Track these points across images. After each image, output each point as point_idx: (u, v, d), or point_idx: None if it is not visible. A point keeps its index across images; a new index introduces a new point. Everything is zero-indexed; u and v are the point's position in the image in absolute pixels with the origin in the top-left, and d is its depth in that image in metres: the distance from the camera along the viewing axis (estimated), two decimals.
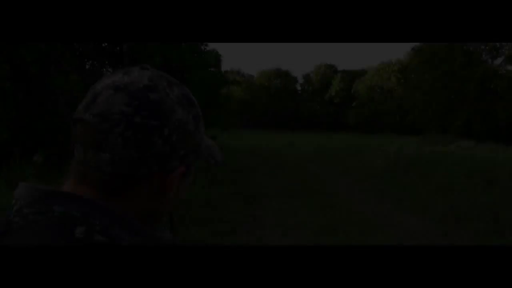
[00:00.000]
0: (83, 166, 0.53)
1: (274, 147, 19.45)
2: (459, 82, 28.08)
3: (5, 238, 0.50)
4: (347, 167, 10.95)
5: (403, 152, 11.14)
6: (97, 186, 0.53)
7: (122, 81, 0.53)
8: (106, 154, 0.51)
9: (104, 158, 0.51)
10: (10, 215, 0.52)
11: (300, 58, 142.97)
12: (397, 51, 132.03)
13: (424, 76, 30.73)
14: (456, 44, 28.18)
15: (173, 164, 0.55)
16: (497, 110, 27.51)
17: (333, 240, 4.51)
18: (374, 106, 45.17)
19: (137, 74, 0.54)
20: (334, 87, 52.25)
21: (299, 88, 59.64)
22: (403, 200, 6.68)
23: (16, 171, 3.77)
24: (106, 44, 7.63)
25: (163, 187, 0.55)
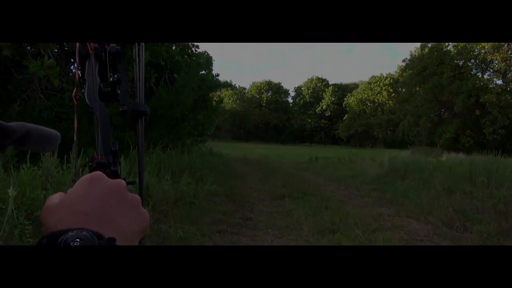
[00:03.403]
0: None
1: (266, 156, 19.12)
2: (448, 96, 28.31)
3: None
4: (341, 175, 10.64)
5: (397, 161, 10.86)
6: None
7: None
8: None
9: None
10: None
11: (292, 71, 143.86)
12: (388, 66, 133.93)
13: (415, 89, 30.96)
14: (446, 59, 28.50)
15: None
16: (485, 123, 27.74)
17: (332, 240, 4.11)
18: (365, 119, 45.18)
19: None
20: (326, 100, 52.26)
21: (290, 101, 59.61)
22: (404, 205, 6.33)
23: None
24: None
25: None
